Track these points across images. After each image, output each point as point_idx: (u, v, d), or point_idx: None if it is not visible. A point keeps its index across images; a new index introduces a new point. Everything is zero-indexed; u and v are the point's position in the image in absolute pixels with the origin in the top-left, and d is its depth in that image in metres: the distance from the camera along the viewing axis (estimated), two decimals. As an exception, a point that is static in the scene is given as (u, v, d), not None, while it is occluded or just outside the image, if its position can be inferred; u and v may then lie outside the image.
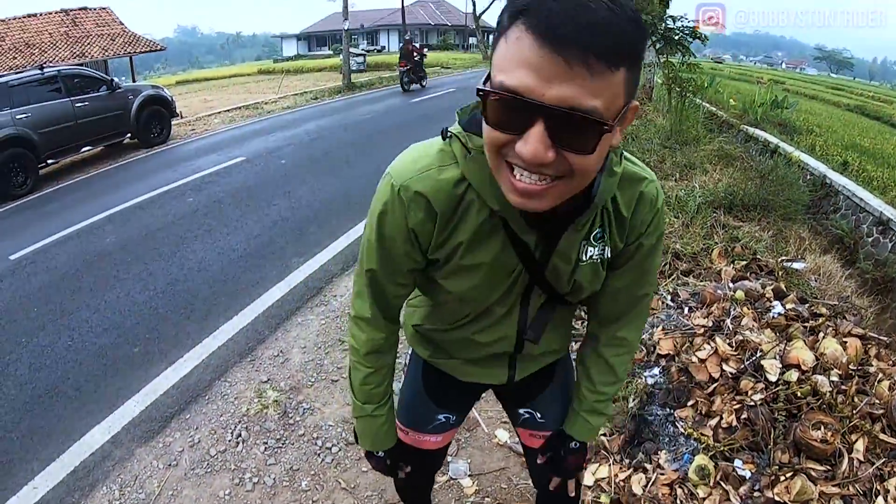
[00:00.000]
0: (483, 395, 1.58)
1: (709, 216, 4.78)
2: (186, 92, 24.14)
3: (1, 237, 6.76)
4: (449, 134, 0.99)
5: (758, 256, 4.00)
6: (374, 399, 1.29)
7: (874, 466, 2.07)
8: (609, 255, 1.09)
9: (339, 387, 3.27)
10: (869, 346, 2.70)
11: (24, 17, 20.08)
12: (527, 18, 0.71)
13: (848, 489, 2.03)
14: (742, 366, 2.52)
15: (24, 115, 9.01)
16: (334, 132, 11.51)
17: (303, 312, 4.18)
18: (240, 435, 2.93)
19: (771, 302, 3.13)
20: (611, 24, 0.70)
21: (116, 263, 5.35)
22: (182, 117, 13.98)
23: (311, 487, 2.58)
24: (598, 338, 1.29)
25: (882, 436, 2.17)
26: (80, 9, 21.31)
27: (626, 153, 1.03)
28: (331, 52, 46.94)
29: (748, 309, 3.00)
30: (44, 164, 9.54)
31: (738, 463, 2.17)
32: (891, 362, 2.58)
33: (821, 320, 2.91)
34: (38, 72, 9.70)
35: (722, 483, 2.14)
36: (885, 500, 1.98)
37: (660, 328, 2.98)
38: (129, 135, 11.35)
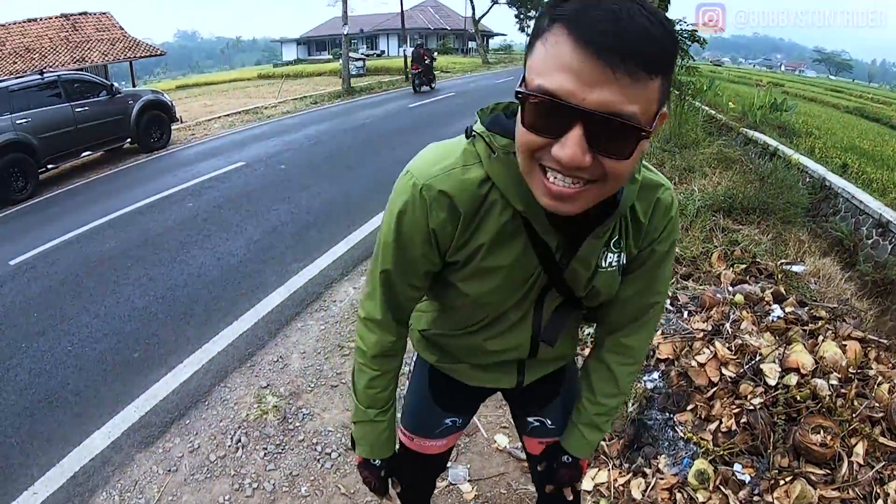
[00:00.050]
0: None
1: (708, 220, 4.78)
2: (186, 96, 24.19)
3: (1, 242, 6.75)
4: (473, 133, 0.99)
5: (757, 260, 4.00)
6: (377, 404, 1.25)
7: (874, 470, 2.07)
8: (624, 262, 1.09)
9: (339, 392, 3.27)
10: (869, 348, 2.70)
11: (25, 22, 20.13)
12: (569, 24, 0.72)
13: (848, 493, 2.02)
14: (741, 370, 2.52)
15: (24, 120, 9.02)
16: (334, 137, 11.52)
17: (302, 318, 4.18)
18: (239, 440, 2.93)
19: (770, 305, 3.13)
20: (651, 33, 0.72)
21: (116, 268, 5.35)
22: (182, 122, 14.01)
23: (311, 493, 2.58)
24: (603, 345, 1.27)
25: (882, 439, 2.16)
26: (81, 13, 21.37)
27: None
28: (330, 57, 47.04)
29: (747, 312, 3.00)
30: (44, 169, 9.54)
31: (737, 467, 2.16)
32: (890, 365, 2.58)
33: (820, 323, 2.91)
34: (39, 77, 9.72)
35: (721, 487, 2.13)
36: (885, 504, 1.98)
37: (659, 332, 2.98)
38: (129, 140, 11.35)
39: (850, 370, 2.47)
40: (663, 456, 2.35)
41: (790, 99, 13.20)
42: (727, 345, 2.69)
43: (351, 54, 24.01)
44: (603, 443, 2.53)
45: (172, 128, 12.55)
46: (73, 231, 6.63)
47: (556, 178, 0.80)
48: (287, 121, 14.64)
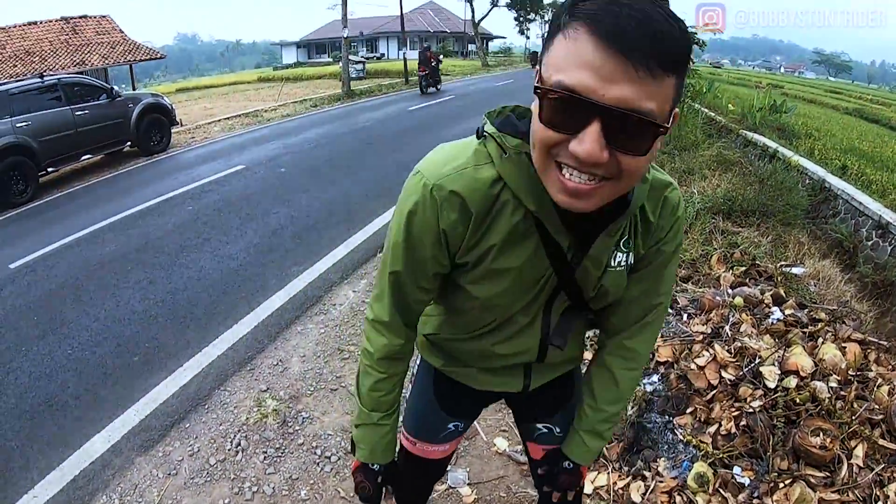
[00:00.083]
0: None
1: (707, 222, 4.78)
2: (186, 100, 24.19)
3: (1, 245, 6.76)
4: (484, 134, 0.99)
5: (757, 262, 4.00)
6: (381, 407, 1.23)
7: (874, 472, 2.07)
8: (632, 262, 1.09)
9: (339, 396, 3.27)
10: (868, 350, 2.70)
11: (25, 25, 20.19)
12: (589, 22, 0.74)
13: (847, 495, 2.02)
14: (741, 372, 2.52)
15: (25, 124, 9.02)
16: (334, 140, 11.54)
17: (302, 321, 4.18)
18: (239, 444, 2.93)
19: (770, 308, 3.14)
20: (669, 33, 0.74)
21: (116, 272, 5.35)
22: (182, 125, 14.03)
23: (311, 497, 2.58)
24: (606, 348, 1.26)
25: (881, 441, 2.16)
26: (81, 17, 21.45)
27: None
28: (330, 60, 47.12)
29: (747, 315, 3.00)
30: (44, 173, 9.55)
31: (737, 470, 2.16)
32: (890, 367, 2.58)
33: (820, 325, 2.91)
34: (39, 80, 9.72)
35: (721, 490, 2.13)
36: (885, 507, 1.98)
37: (658, 335, 2.98)
38: (129, 143, 11.36)
39: (849, 372, 2.47)
40: (663, 459, 2.35)
41: (789, 101, 13.19)
42: (726, 347, 2.69)
43: (351, 57, 24.08)
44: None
45: (172, 131, 12.55)
46: (73, 234, 6.64)
47: (571, 174, 0.81)
48: (287, 124, 14.66)
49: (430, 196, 0.97)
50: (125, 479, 2.79)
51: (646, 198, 1.03)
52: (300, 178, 8.42)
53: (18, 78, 12.14)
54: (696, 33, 8.50)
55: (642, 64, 0.72)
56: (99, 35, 21.13)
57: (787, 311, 3.07)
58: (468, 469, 2.65)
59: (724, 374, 2.54)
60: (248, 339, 3.95)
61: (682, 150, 7.59)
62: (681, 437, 2.38)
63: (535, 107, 0.83)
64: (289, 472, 2.73)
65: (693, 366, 2.64)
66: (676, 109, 0.84)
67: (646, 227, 1.07)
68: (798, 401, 2.29)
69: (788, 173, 6.45)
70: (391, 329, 1.17)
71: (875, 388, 2.37)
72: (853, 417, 2.21)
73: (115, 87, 11.84)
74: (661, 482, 2.25)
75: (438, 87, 20.54)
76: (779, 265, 3.98)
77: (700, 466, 2.19)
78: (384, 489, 1.35)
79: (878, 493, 2.02)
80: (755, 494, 2.08)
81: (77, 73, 15.82)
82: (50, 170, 9.68)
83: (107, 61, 20.45)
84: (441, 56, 22.55)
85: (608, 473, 2.38)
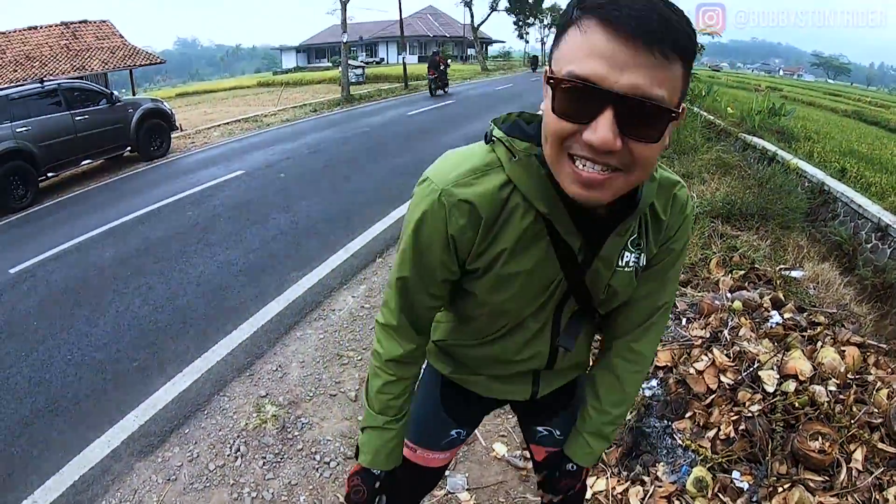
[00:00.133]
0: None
1: (707, 226, 4.78)
2: (186, 104, 24.27)
3: (1, 250, 6.77)
4: (492, 139, 1.00)
5: (756, 265, 4.00)
6: (389, 411, 1.21)
7: (873, 476, 2.06)
8: (644, 263, 1.10)
9: (338, 401, 3.27)
10: (868, 353, 2.70)
11: (25, 30, 20.23)
12: (599, 15, 0.76)
13: (846, 499, 2.02)
14: (740, 377, 2.52)
15: (25, 129, 9.06)
16: (333, 145, 11.55)
17: (301, 327, 4.18)
18: (238, 450, 2.93)
19: (769, 312, 3.13)
20: (677, 23, 0.77)
21: (116, 277, 5.36)
22: (182, 130, 14.05)
23: (310, 502, 2.58)
24: (610, 350, 1.26)
25: (881, 445, 2.16)
26: (81, 22, 21.47)
27: None
28: (330, 64, 47.27)
29: (746, 319, 3.00)
30: (44, 178, 9.58)
31: (735, 474, 2.16)
32: (889, 370, 2.58)
33: (819, 329, 2.91)
34: (39, 85, 9.76)
35: (720, 495, 2.13)
36: (884, 511, 1.98)
37: (662, 335, 2.98)
38: (128, 148, 11.40)
39: (848, 376, 2.47)
40: (662, 464, 2.35)
41: (788, 103, 13.23)
42: (725, 352, 2.69)
43: (350, 62, 24.22)
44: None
45: (172, 136, 12.60)
46: (73, 239, 6.65)
47: (584, 165, 0.82)
48: (286, 129, 14.69)
49: (438, 202, 0.97)
50: (125, 484, 2.79)
51: (655, 196, 1.04)
52: (299, 183, 8.43)
53: (19, 83, 12.14)
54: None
55: (653, 48, 0.75)
56: (99, 40, 21.16)
57: (786, 315, 3.06)
58: (467, 474, 2.64)
59: (722, 378, 2.54)
60: (248, 345, 3.95)
61: (682, 154, 7.60)
62: (680, 442, 2.38)
63: (546, 99, 0.85)
64: (288, 477, 2.73)
65: (692, 370, 2.64)
66: (684, 104, 0.85)
67: (657, 226, 1.08)
68: (797, 405, 2.28)
69: (787, 176, 6.46)
70: (400, 333, 1.17)
71: (874, 392, 2.36)
72: (852, 421, 2.20)
73: (115, 92, 11.87)
74: (660, 487, 2.25)
75: (446, 89, 21.29)
76: (778, 269, 3.98)
77: (699, 471, 2.18)
78: (378, 498, 1.30)
79: (877, 496, 2.02)
80: (754, 499, 2.08)
81: (77, 77, 15.85)
82: (50, 175, 9.71)
83: (107, 66, 20.49)
84: (449, 60, 23.82)
85: (607, 478, 2.38)
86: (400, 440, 1.27)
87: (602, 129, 0.77)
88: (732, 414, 2.36)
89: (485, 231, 0.99)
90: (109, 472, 2.88)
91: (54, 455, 3.05)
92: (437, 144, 10.54)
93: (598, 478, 2.40)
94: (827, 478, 2.09)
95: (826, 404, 2.26)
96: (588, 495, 2.33)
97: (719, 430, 2.34)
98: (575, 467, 1.34)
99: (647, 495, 2.24)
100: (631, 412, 2.63)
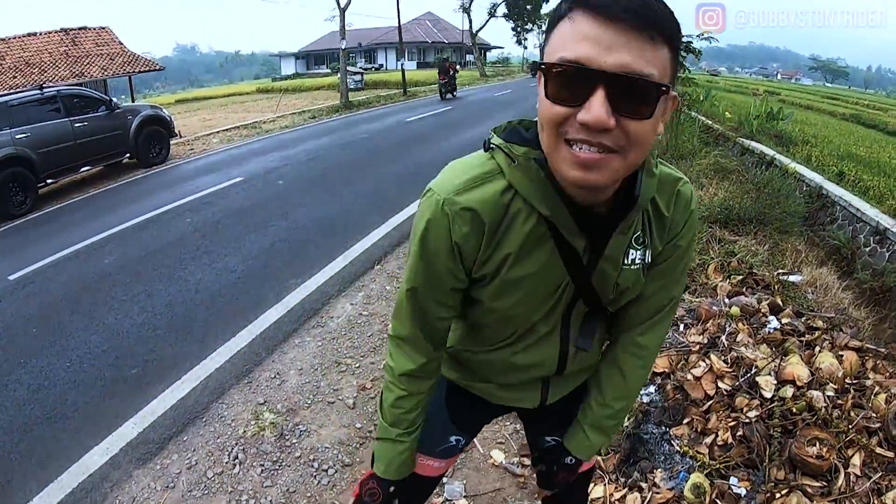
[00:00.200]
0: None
1: (704, 231, 4.79)
2: (185, 111, 24.30)
3: (0, 257, 6.77)
4: (491, 146, 1.02)
5: (754, 270, 4.00)
6: (401, 424, 1.24)
7: (871, 481, 2.06)
8: (650, 260, 1.10)
9: (336, 409, 3.27)
10: (866, 358, 2.70)
11: (25, 36, 20.26)
12: (587, 5, 0.80)
13: (844, 505, 2.02)
14: (737, 383, 2.52)
15: (24, 135, 9.07)
16: (331, 152, 11.57)
17: (300, 334, 4.18)
18: (237, 457, 2.93)
19: (767, 317, 3.14)
20: (661, 10, 0.81)
21: (115, 284, 5.36)
22: (181, 137, 14.09)
23: (308, 510, 2.58)
24: (616, 343, 1.26)
25: (878, 449, 2.16)
26: (80, 28, 21.52)
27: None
28: (329, 71, 47.37)
29: (743, 325, 3.00)
30: (43, 184, 9.59)
31: (733, 481, 2.16)
32: (887, 374, 2.58)
33: (817, 334, 2.91)
34: (38, 91, 9.78)
35: (718, 501, 2.12)
36: (882, 515, 1.98)
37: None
38: (128, 155, 11.41)
39: (846, 381, 2.47)
40: (659, 470, 2.35)
41: (786, 107, 13.26)
42: (723, 358, 2.70)
43: (349, 68, 24.35)
44: (599, 457, 2.52)
45: (171, 143, 12.62)
46: (72, 246, 6.64)
47: (580, 147, 0.84)
48: (285, 135, 14.72)
49: (441, 211, 0.99)
50: (123, 491, 2.79)
51: (656, 192, 1.04)
52: (298, 190, 8.43)
53: (18, 89, 12.17)
54: (691, 42, 8.50)
55: (638, 30, 0.78)
56: (98, 46, 21.20)
57: (784, 320, 3.07)
58: (464, 481, 2.64)
59: (720, 384, 2.54)
60: (246, 352, 3.95)
61: (680, 159, 7.61)
62: (677, 448, 2.38)
63: (540, 88, 0.87)
64: (286, 485, 2.73)
65: (689, 376, 2.64)
66: (674, 93, 0.88)
67: (660, 223, 1.08)
68: (794, 410, 2.28)
69: (785, 180, 6.48)
70: (411, 345, 1.17)
71: (872, 396, 2.36)
72: (850, 426, 2.20)
73: (114, 99, 11.90)
74: (658, 493, 2.25)
75: (455, 93, 22.37)
76: (776, 273, 3.98)
77: (697, 477, 2.18)
78: (396, 501, 1.34)
79: (875, 501, 2.01)
80: (752, 505, 2.08)
81: (76, 84, 15.88)
82: (49, 181, 9.72)
83: (106, 73, 20.51)
84: (458, 66, 25.20)
85: (605, 485, 2.38)
86: (412, 451, 1.29)
87: (595, 108, 0.80)
88: (730, 420, 2.36)
89: (489, 237, 1.00)
90: (108, 480, 2.88)
91: (53, 462, 3.04)
92: (435, 151, 10.57)
93: (595, 484, 2.40)
94: (825, 483, 2.08)
95: (824, 409, 2.26)
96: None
97: (717, 436, 2.34)
98: (573, 461, 1.34)
99: (645, 501, 2.24)
100: (629, 418, 2.63)
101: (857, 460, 2.12)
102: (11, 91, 11.33)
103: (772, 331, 2.97)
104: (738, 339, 2.84)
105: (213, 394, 3.51)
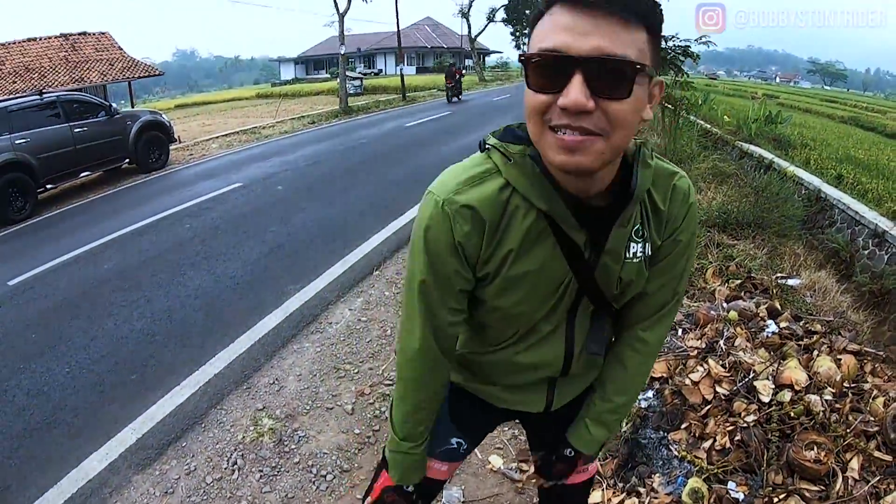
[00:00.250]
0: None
1: (703, 235, 4.79)
2: (185, 116, 24.34)
3: (0, 262, 6.77)
4: (487, 147, 1.04)
5: (752, 275, 4.01)
6: (413, 438, 1.25)
7: (869, 485, 2.06)
8: (650, 253, 1.10)
9: (334, 414, 3.27)
10: (864, 361, 2.71)
11: (24, 42, 20.25)
12: (563, 0, 0.85)
13: (842, 509, 2.02)
14: (735, 387, 2.52)
15: (23, 141, 9.08)
16: (330, 157, 11.57)
17: (298, 340, 4.18)
18: (236, 463, 2.93)
19: (765, 321, 3.14)
20: None
21: (114, 290, 5.36)
22: (180, 142, 14.08)
23: (307, 515, 2.58)
24: (620, 339, 1.27)
25: (877, 453, 2.16)
26: (80, 34, 21.51)
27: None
28: (328, 76, 47.44)
29: (742, 329, 3.01)
30: (42, 189, 9.58)
31: (731, 485, 2.16)
32: (886, 378, 2.58)
33: (815, 338, 2.92)
34: (38, 97, 9.79)
35: (716, 506, 2.13)
36: (881, 519, 1.98)
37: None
38: (127, 160, 11.41)
39: (844, 384, 2.48)
40: (657, 475, 2.35)
41: (785, 111, 13.30)
42: (721, 362, 2.70)
43: (348, 73, 24.43)
44: (597, 463, 2.51)
45: (171, 148, 12.63)
46: (71, 252, 6.64)
47: (564, 132, 0.87)
48: (285, 141, 14.73)
49: (441, 211, 1.00)
50: (122, 497, 2.79)
51: (651, 184, 1.05)
52: (297, 195, 8.44)
53: (17, 94, 12.18)
54: (689, 45, 8.49)
55: (613, 15, 0.82)
56: (98, 52, 21.20)
57: (783, 324, 3.07)
58: (463, 487, 2.64)
59: (718, 389, 2.55)
60: (245, 358, 3.94)
61: (678, 163, 7.61)
62: (675, 453, 2.38)
63: (524, 79, 0.91)
64: (285, 490, 2.72)
65: (687, 381, 2.64)
66: (661, 79, 0.92)
67: (657, 217, 1.09)
68: (792, 415, 2.29)
69: (784, 184, 6.49)
70: (423, 355, 1.16)
71: (870, 400, 2.37)
72: (848, 430, 2.21)
73: (114, 104, 11.91)
74: (656, 498, 2.25)
75: (460, 97, 23.37)
76: (774, 277, 3.99)
77: (695, 482, 2.18)
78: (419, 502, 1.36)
79: (873, 505, 2.02)
80: (750, 509, 2.08)
81: (76, 89, 15.91)
82: (49, 186, 9.71)
83: (105, 78, 20.52)
84: (464, 71, 26.74)
85: (602, 490, 2.38)
86: (424, 457, 1.31)
87: (573, 92, 0.83)
88: (728, 424, 2.37)
89: (489, 235, 1.01)
90: (107, 485, 2.88)
91: (52, 467, 3.04)
92: (434, 155, 10.60)
93: (593, 489, 2.40)
94: (823, 487, 2.09)
95: (822, 413, 2.27)
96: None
97: (715, 440, 2.34)
98: (572, 453, 1.33)
99: (644, 506, 2.24)
100: (627, 423, 2.63)
101: (855, 464, 2.13)
102: (11, 96, 11.34)
103: (770, 335, 2.97)
104: (736, 344, 2.84)
105: (212, 399, 3.51)
